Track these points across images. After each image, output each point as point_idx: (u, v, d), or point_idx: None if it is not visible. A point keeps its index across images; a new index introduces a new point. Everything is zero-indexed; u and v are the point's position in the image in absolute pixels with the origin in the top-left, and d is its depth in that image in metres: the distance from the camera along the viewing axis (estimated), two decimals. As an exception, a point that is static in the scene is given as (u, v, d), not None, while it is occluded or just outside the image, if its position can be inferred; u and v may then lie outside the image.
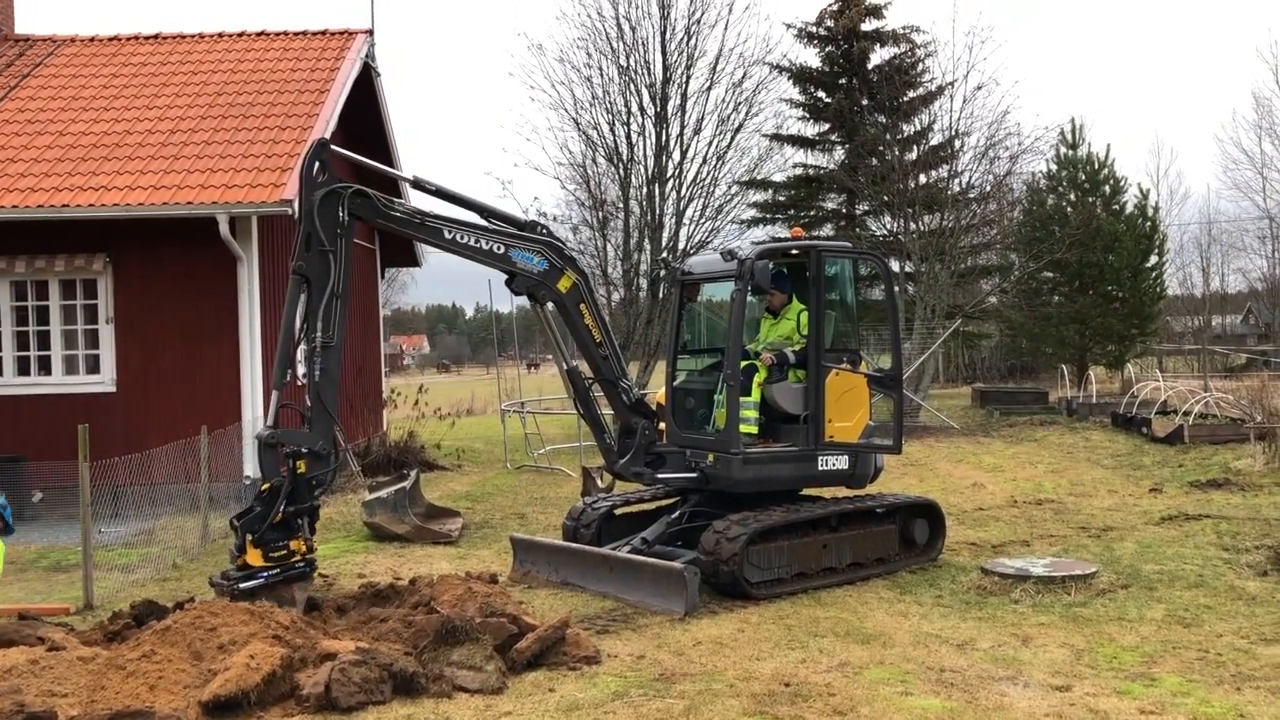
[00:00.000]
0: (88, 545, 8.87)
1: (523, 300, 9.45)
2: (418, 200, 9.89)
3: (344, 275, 8.13)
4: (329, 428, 8.04)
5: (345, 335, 8.27)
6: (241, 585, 7.58)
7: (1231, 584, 8.84)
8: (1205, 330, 51.16)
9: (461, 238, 8.76)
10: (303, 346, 8.13)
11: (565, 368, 9.63)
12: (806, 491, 9.86)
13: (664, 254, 23.72)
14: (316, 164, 8.22)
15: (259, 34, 18.24)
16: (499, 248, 8.89)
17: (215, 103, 15.78)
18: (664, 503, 10.19)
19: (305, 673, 6.23)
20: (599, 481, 12.96)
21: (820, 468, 9.41)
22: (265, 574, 7.71)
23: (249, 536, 7.70)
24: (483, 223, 9.02)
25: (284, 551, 7.80)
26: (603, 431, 9.67)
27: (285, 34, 18.18)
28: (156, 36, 18.19)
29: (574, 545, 9.50)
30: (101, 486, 10.07)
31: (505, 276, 9.09)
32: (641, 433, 9.53)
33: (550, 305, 9.31)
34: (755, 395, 9.37)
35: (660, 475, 9.48)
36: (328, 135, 14.84)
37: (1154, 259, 30.10)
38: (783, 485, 9.46)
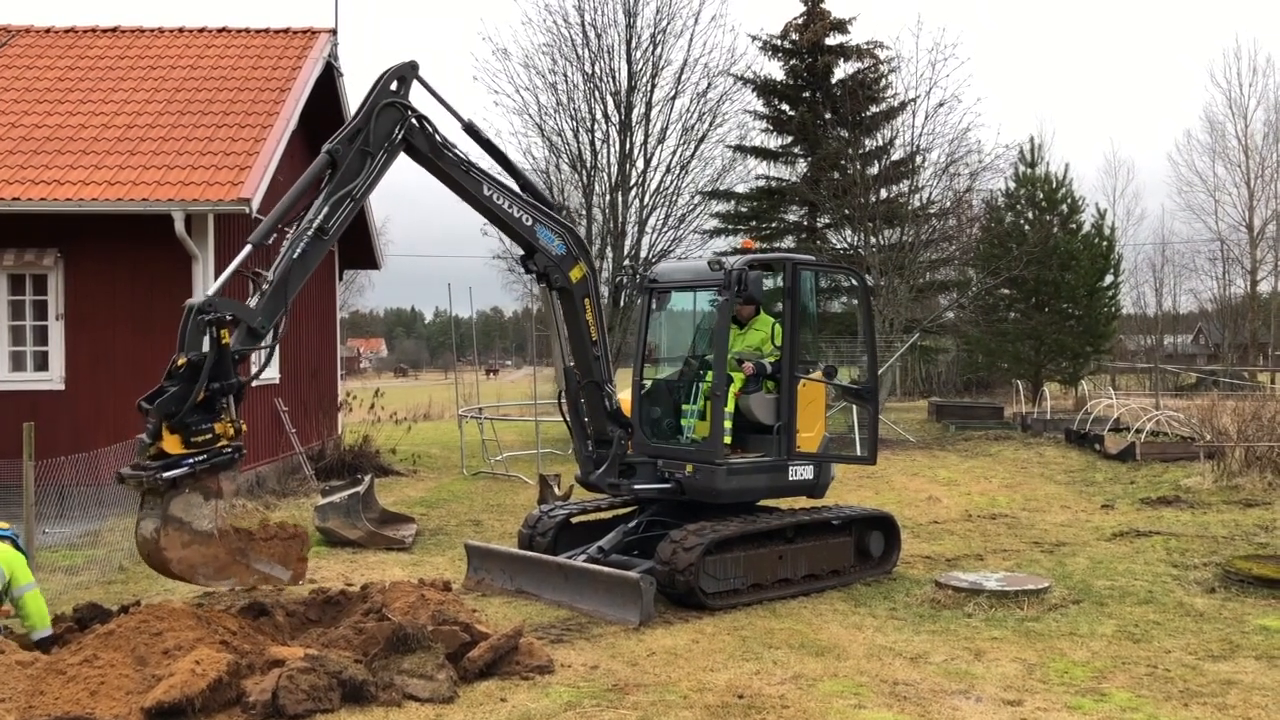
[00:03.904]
0: (31, 546, 8.68)
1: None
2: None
3: (370, 185, 7.88)
4: (277, 310, 7.38)
5: (338, 237, 7.87)
6: (165, 474, 6.66)
7: (1180, 600, 8.94)
8: (1157, 349, 51.97)
9: (498, 198, 8.60)
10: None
11: (566, 364, 9.39)
12: (761, 502, 9.86)
13: (627, 261, 23.71)
14: (398, 80, 8.03)
15: (220, 31, 18.02)
16: (528, 219, 8.76)
17: (174, 99, 15.55)
18: (621, 512, 10.15)
19: (252, 679, 6.12)
20: (556, 489, 12.90)
21: (790, 478, 9.46)
22: (191, 461, 6.74)
23: (165, 421, 6.69)
24: (517, 190, 8.88)
25: (208, 435, 6.81)
26: (586, 439, 9.43)
27: (247, 31, 17.97)
28: (115, 30, 17.91)
29: (529, 553, 9.43)
30: (47, 486, 9.86)
31: (522, 252, 8.97)
32: (617, 442, 9.31)
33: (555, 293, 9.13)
34: (731, 405, 9.35)
35: (637, 486, 9.34)
36: (287, 135, 14.71)
37: (1109, 278, 30.51)
38: (759, 496, 9.50)
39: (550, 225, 8.88)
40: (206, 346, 6.87)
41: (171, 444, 6.71)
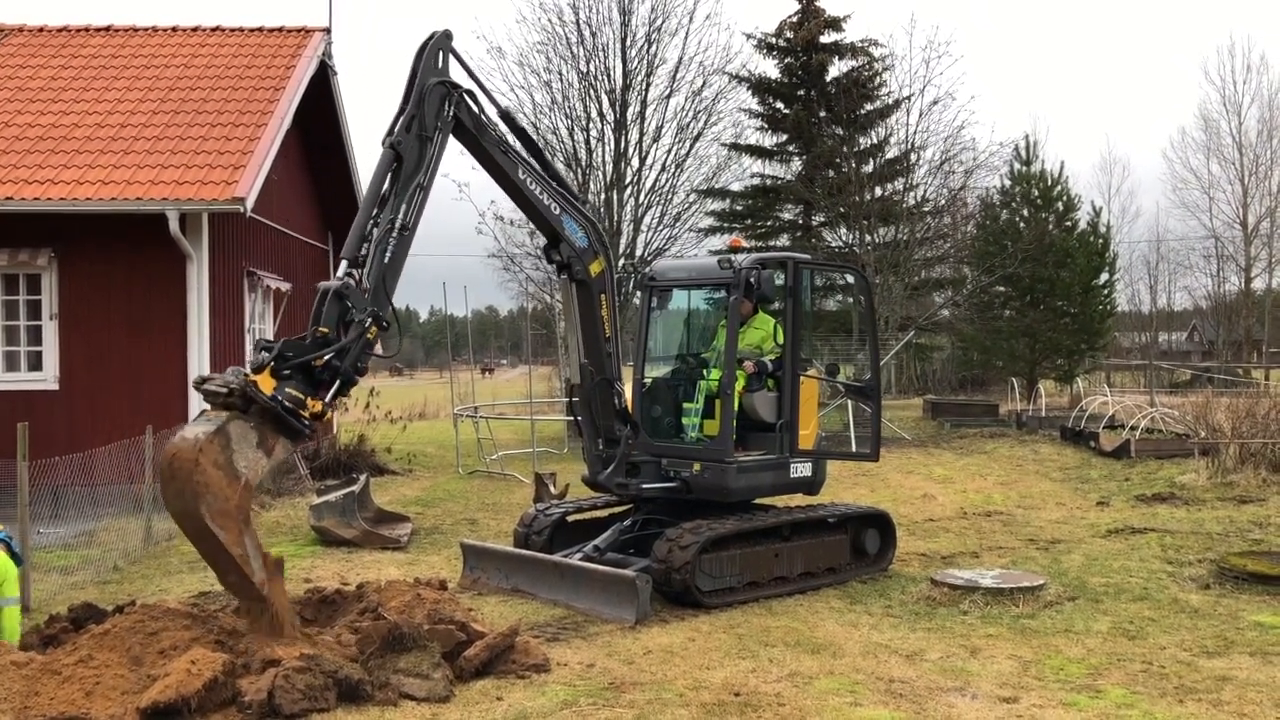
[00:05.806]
0: (25, 547, 8.66)
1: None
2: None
3: (433, 169, 7.83)
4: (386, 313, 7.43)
5: (417, 229, 7.78)
6: (254, 390, 6.61)
7: (1175, 597, 8.95)
8: (1152, 346, 52.05)
9: (531, 183, 8.56)
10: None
11: (581, 361, 9.27)
12: (756, 500, 9.86)
13: (622, 259, 23.71)
14: (440, 52, 7.96)
15: (214, 29, 17.99)
16: (556, 208, 8.74)
17: (168, 98, 15.53)
18: (617, 510, 10.15)
19: (248, 679, 6.11)
20: (551, 488, 12.90)
21: (791, 475, 9.50)
22: (278, 399, 6.66)
23: (275, 361, 6.71)
24: (548, 178, 8.84)
25: (299, 397, 6.78)
26: (598, 438, 9.31)
27: (241, 30, 17.95)
28: (108, 29, 17.88)
29: (525, 552, 9.42)
30: (41, 486, 9.85)
31: (546, 241, 8.94)
32: (625, 442, 9.19)
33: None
34: (735, 404, 9.35)
35: (645, 486, 9.29)
36: (282, 134, 14.69)
37: (1105, 276, 30.53)
38: (763, 493, 9.53)
39: (576, 216, 8.88)
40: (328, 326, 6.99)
41: (265, 384, 6.68)
